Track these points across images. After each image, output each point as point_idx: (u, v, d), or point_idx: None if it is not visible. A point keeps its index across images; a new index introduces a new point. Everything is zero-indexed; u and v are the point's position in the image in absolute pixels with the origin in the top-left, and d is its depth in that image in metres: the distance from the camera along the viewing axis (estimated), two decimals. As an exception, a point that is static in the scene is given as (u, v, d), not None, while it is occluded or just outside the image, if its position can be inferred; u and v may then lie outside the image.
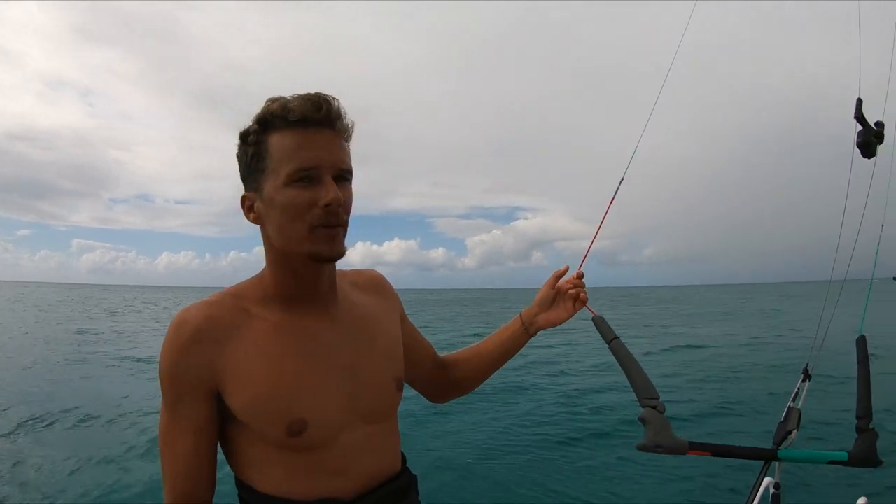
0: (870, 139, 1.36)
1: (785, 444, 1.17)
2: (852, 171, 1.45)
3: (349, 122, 0.83)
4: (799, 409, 1.21)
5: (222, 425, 0.84)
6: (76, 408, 7.78)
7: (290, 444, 0.80)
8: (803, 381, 1.29)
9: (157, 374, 0.82)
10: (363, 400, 0.87)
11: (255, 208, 0.84)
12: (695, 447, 0.94)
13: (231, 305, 0.83)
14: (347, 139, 0.84)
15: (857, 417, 1.11)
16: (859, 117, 1.38)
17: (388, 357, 0.94)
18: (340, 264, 0.89)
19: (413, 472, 0.95)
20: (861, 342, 1.26)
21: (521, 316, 1.11)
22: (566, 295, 1.09)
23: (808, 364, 1.31)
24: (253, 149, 0.81)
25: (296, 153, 0.78)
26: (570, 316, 1.09)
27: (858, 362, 1.22)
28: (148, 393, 8.52)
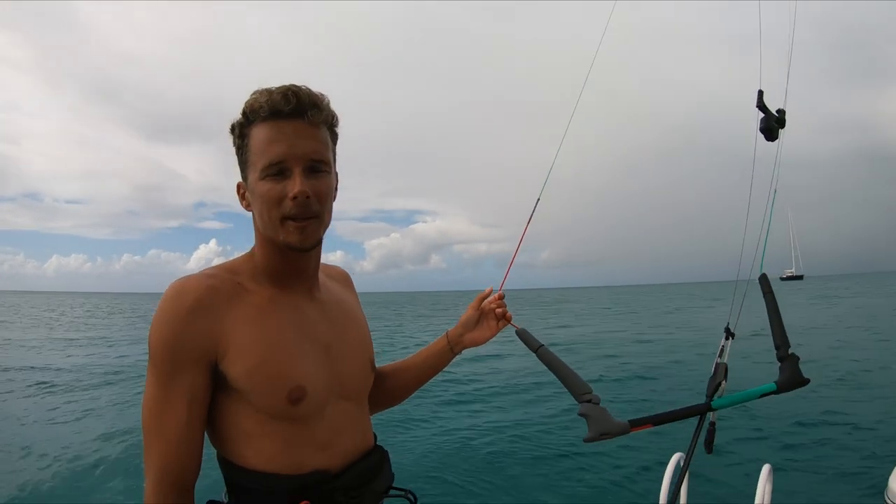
0: (771, 125, 1.51)
1: (717, 395, 1.26)
2: (755, 158, 1.56)
3: (327, 110, 0.85)
4: (725, 363, 1.30)
5: (211, 399, 0.84)
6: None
7: (288, 412, 0.83)
8: (726, 338, 1.39)
9: (147, 346, 0.81)
10: (342, 376, 0.92)
11: (246, 196, 0.89)
12: (636, 423, 0.98)
13: (226, 279, 0.86)
14: (329, 127, 0.87)
15: (777, 347, 1.18)
16: (761, 106, 1.53)
17: (362, 340, 1.01)
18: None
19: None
20: (763, 279, 1.35)
21: (446, 335, 1.16)
22: (490, 314, 1.15)
23: (728, 324, 1.42)
24: (239, 141, 0.86)
25: (267, 147, 0.82)
26: (493, 335, 1.15)
27: (765, 296, 1.30)
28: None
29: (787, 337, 1.19)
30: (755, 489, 1.25)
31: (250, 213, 0.89)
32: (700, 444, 1.24)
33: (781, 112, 1.57)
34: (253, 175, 0.84)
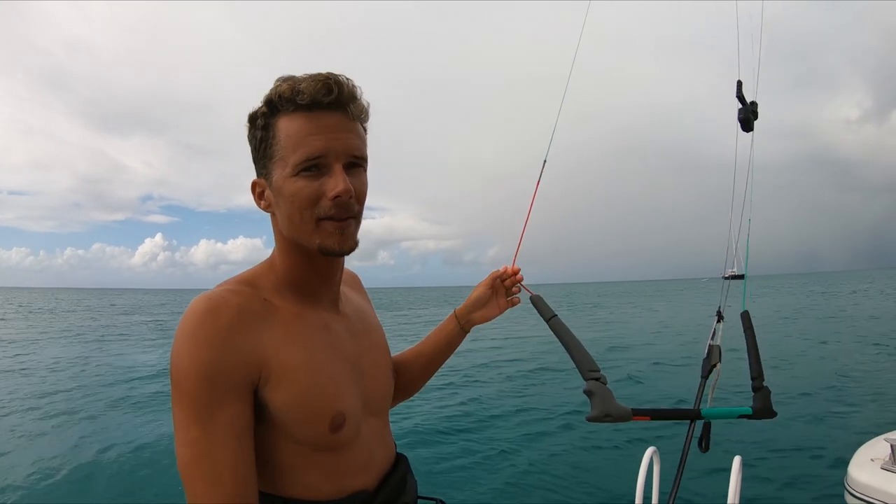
0: (748, 115, 1.59)
1: (712, 376, 1.32)
2: (737, 152, 1.66)
3: (363, 103, 0.78)
4: (718, 345, 1.39)
5: None
6: None
7: (328, 440, 0.77)
8: (718, 321, 1.47)
9: (172, 379, 0.69)
10: (370, 393, 0.87)
11: (266, 196, 0.79)
12: (637, 413, 0.98)
13: (252, 294, 0.77)
14: (362, 122, 0.80)
15: (752, 378, 1.27)
16: (740, 97, 1.60)
17: (383, 351, 0.97)
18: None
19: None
20: (745, 316, 1.44)
21: (455, 315, 1.14)
22: (500, 292, 1.14)
23: (720, 307, 1.50)
24: (261, 133, 0.76)
25: (304, 140, 0.73)
26: (502, 311, 1.14)
27: (745, 332, 1.40)
28: None
29: (762, 370, 1.29)
30: (727, 482, 1.31)
31: (269, 215, 0.81)
32: (694, 445, 1.34)
33: (754, 104, 1.63)
34: (281, 171, 0.75)
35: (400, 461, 0.92)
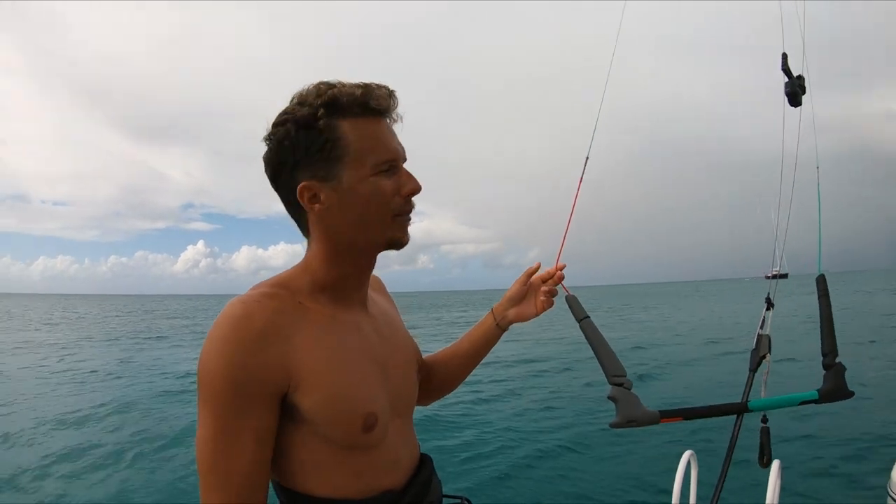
0: (795, 89, 1.49)
1: (760, 369, 1.24)
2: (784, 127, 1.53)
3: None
4: (768, 335, 1.28)
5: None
6: None
7: (360, 440, 0.79)
8: (767, 309, 1.35)
9: (200, 379, 0.72)
10: (397, 394, 0.89)
11: (323, 198, 0.79)
12: (666, 415, 0.96)
13: (287, 298, 0.78)
14: None
15: (823, 354, 1.14)
16: (785, 69, 1.50)
17: (408, 351, 0.98)
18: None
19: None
20: (821, 280, 1.29)
21: (492, 312, 1.13)
22: (537, 290, 1.12)
23: (769, 294, 1.38)
24: (324, 135, 0.76)
25: (379, 143, 0.78)
26: (540, 312, 1.12)
27: (819, 299, 1.25)
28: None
29: (836, 344, 1.15)
30: (765, 486, 1.22)
31: (304, 220, 0.83)
32: (737, 445, 1.23)
33: (801, 77, 1.54)
34: (356, 172, 0.77)
35: (425, 461, 0.94)
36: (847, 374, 1.10)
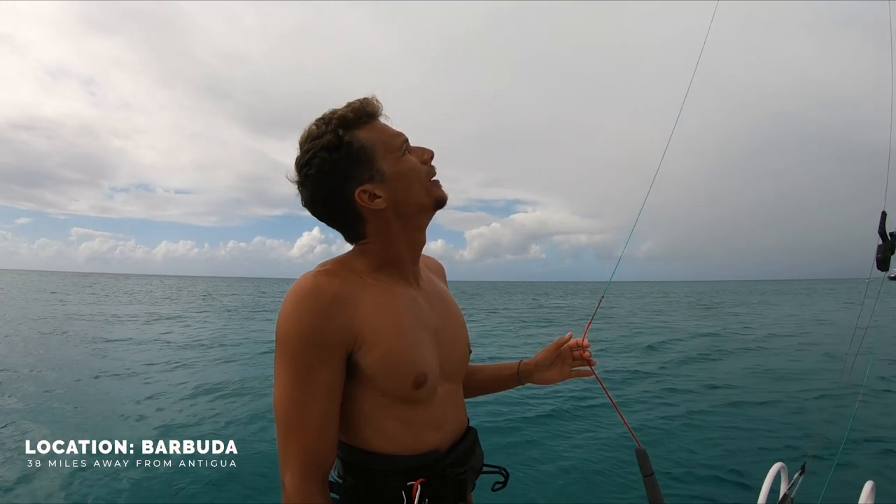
0: (887, 255, 1.44)
1: None
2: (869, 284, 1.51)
3: None
4: (792, 497, 1.31)
5: None
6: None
7: (411, 396, 0.88)
8: (800, 474, 1.36)
9: (279, 339, 0.83)
10: (448, 360, 0.98)
11: (378, 193, 0.90)
12: None
13: (349, 274, 0.90)
14: None
15: None
16: (882, 232, 1.43)
17: (461, 325, 1.06)
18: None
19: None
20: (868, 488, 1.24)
21: (518, 365, 1.20)
22: (566, 358, 1.16)
23: (804, 463, 1.38)
24: (350, 149, 0.89)
25: (391, 133, 0.92)
26: (562, 380, 1.17)
27: None
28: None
29: None
30: None
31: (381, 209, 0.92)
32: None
33: (895, 237, 1.45)
34: (390, 159, 0.90)
35: (470, 431, 1.01)
36: None
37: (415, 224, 0.95)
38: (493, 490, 1.05)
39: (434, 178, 0.95)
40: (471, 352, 1.07)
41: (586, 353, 1.15)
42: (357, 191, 0.89)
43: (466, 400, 1.09)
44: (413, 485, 0.86)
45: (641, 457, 1.10)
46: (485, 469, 1.03)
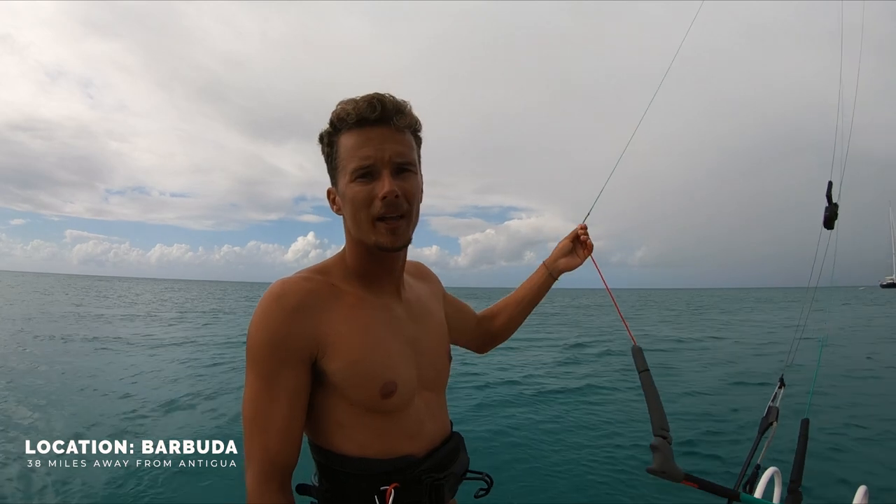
0: (833, 216, 1.77)
1: (767, 432, 1.51)
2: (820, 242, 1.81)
3: (411, 115, 0.88)
4: (777, 407, 1.54)
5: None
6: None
7: (379, 405, 0.87)
8: (780, 387, 1.61)
9: (247, 346, 0.83)
10: (425, 369, 0.97)
11: (336, 201, 0.92)
12: (688, 478, 1.03)
13: (321, 281, 0.89)
14: (413, 131, 0.90)
15: (791, 480, 1.33)
16: (829, 196, 1.78)
17: (440, 333, 1.06)
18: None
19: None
20: (804, 424, 1.50)
21: (544, 264, 1.31)
22: (581, 245, 1.30)
23: (782, 376, 1.63)
24: (328, 149, 0.89)
25: (356, 152, 0.85)
26: (584, 260, 1.30)
27: (798, 441, 1.45)
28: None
29: (801, 477, 1.35)
30: None
31: (341, 217, 0.93)
32: None
33: (835, 206, 1.79)
34: (343, 179, 0.87)
35: (452, 437, 1.00)
36: None
37: (369, 251, 0.91)
38: (475, 497, 1.07)
39: (382, 221, 0.86)
40: (451, 360, 1.07)
41: (583, 236, 1.29)
42: (329, 188, 0.94)
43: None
44: (387, 489, 0.85)
45: (637, 354, 1.18)
46: (468, 475, 1.02)
